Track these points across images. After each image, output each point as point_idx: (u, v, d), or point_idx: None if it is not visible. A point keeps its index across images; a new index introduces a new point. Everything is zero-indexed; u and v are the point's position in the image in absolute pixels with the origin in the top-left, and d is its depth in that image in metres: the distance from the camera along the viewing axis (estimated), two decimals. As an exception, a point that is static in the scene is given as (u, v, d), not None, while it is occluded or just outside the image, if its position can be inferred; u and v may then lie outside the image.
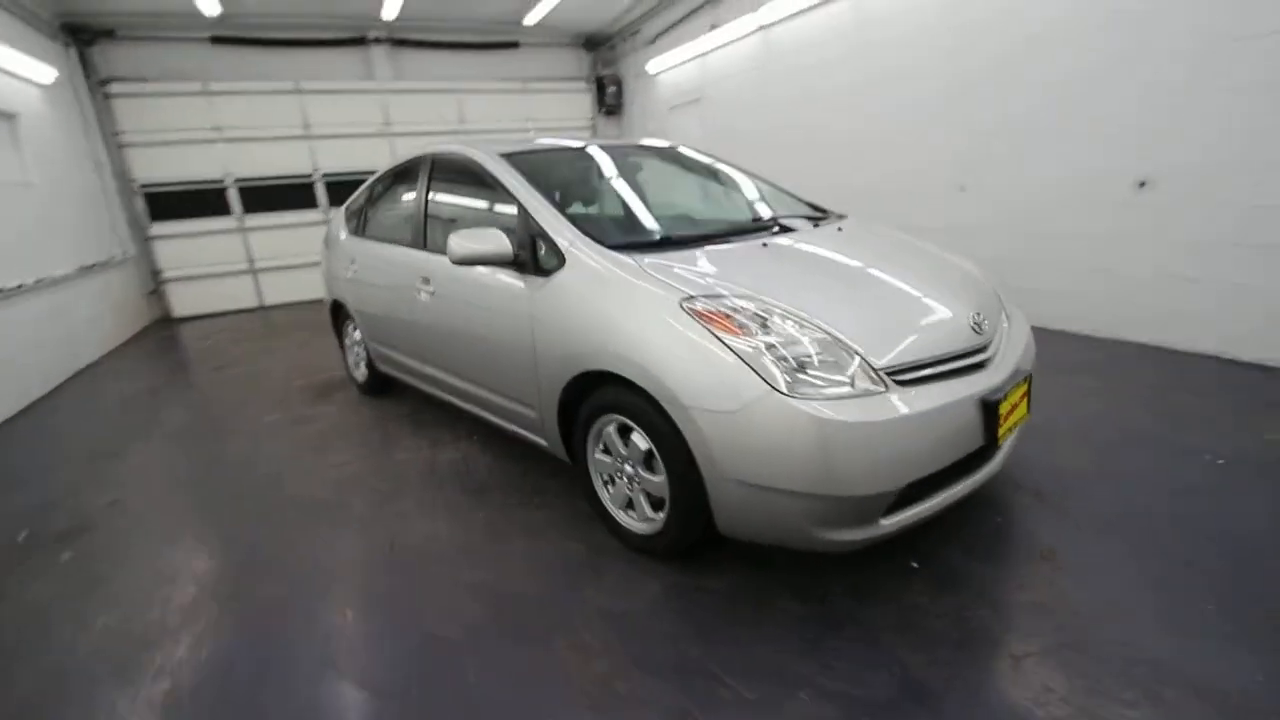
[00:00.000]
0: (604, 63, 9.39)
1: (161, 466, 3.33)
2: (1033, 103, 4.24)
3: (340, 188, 7.93)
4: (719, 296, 1.89)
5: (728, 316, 1.82)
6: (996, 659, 1.64)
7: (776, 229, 2.56)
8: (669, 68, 7.99)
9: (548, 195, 2.47)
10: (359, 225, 3.87)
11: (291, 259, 7.97)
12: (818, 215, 2.88)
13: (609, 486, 2.28)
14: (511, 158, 2.71)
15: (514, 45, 8.72)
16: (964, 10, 4.56)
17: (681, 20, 7.42)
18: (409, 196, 3.32)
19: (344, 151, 8.01)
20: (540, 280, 2.30)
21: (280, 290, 8.06)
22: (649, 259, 2.15)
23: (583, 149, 3.04)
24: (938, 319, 1.98)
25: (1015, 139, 4.40)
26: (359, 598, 2.09)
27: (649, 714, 1.54)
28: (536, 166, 2.69)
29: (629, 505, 2.20)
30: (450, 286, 2.80)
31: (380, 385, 4.03)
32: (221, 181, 7.53)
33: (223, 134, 7.39)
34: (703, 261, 2.17)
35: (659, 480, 2.01)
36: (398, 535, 2.44)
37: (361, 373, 4.13)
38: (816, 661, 1.68)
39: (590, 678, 1.68)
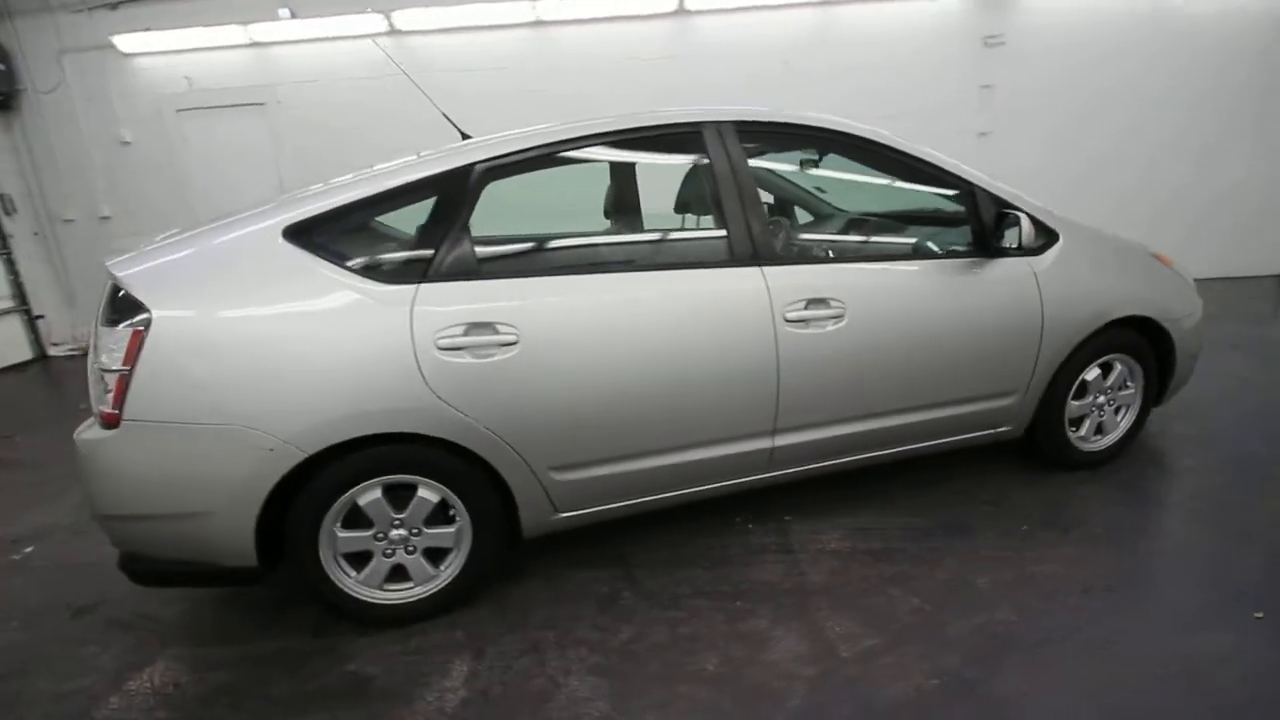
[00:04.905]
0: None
1: None
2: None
3: None
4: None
5: (1163, 256, 2.66)
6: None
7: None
8: (175, 49, 5.34)
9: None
10: (444, 262, 1.82)
11: None
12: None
13: (1074, 429, 2.60)
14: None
15: None
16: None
17: (202, -12, 5.15)
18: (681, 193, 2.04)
19: None
20: (1039, 258, 2.33)
21: None
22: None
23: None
24: None
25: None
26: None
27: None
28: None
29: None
30: (891, 297, 2.17)
31: (474, 585, 2.01)
32: None
33: None
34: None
35: (1132, 391, 2.63)
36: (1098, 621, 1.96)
37: (447, 576, 1.95)
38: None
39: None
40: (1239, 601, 1.86)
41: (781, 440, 2.15)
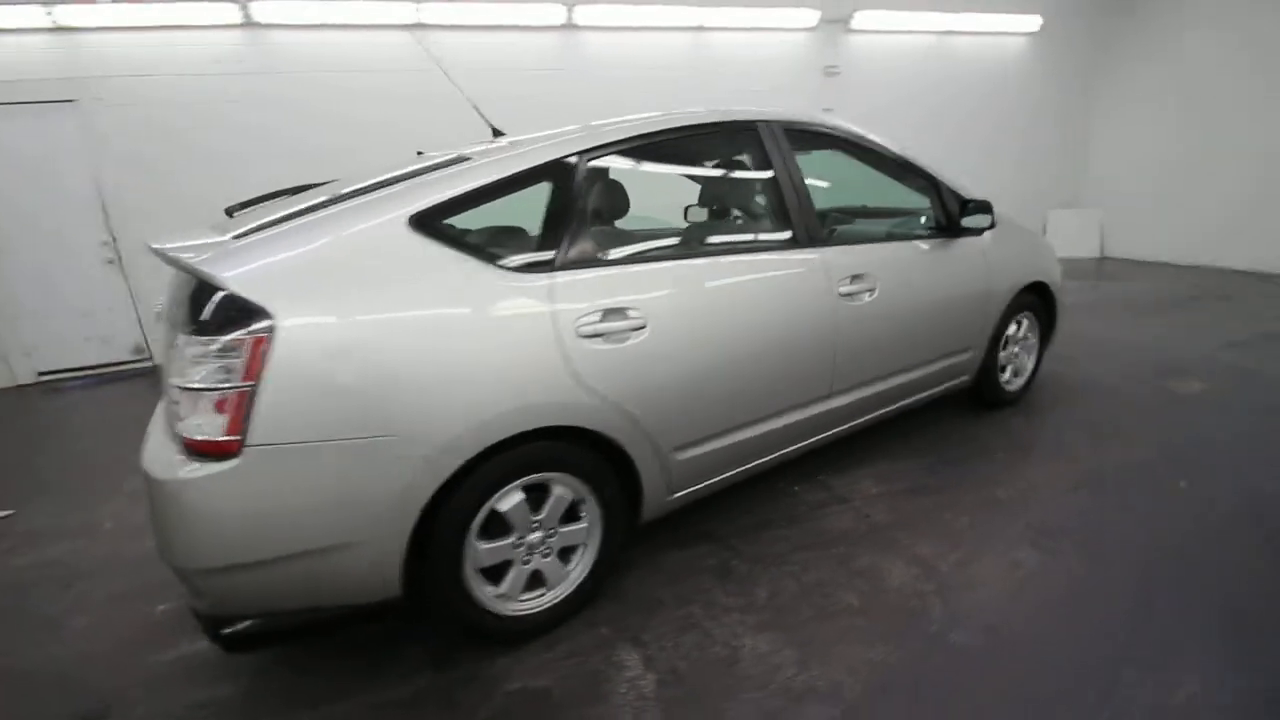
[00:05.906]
0: None
1: None
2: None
3: None
4: (1026, 228, 3.42)
5: (1040, 237, 3.44)
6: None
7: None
8: (-65, 29, 4.15)
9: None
10: (570, 251, 1.79)
11: None
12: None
13: (1001, 374, 3.23)
14: None
15: None
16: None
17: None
18: (739, 186, 2.23)
19: None
20: (983, 238, 2.88)
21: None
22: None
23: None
24: None
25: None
26: None
27: None
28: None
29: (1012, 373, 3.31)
30: (902, 271, 2.55)
31: (600, 580, 1.97)
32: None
33: None
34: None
35: (1033, 341, 3.35)
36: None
37: (578, 575, 1.91)
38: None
39: None
40: (1161, 477, 2.53)
41: (835, 402, 2.42)
